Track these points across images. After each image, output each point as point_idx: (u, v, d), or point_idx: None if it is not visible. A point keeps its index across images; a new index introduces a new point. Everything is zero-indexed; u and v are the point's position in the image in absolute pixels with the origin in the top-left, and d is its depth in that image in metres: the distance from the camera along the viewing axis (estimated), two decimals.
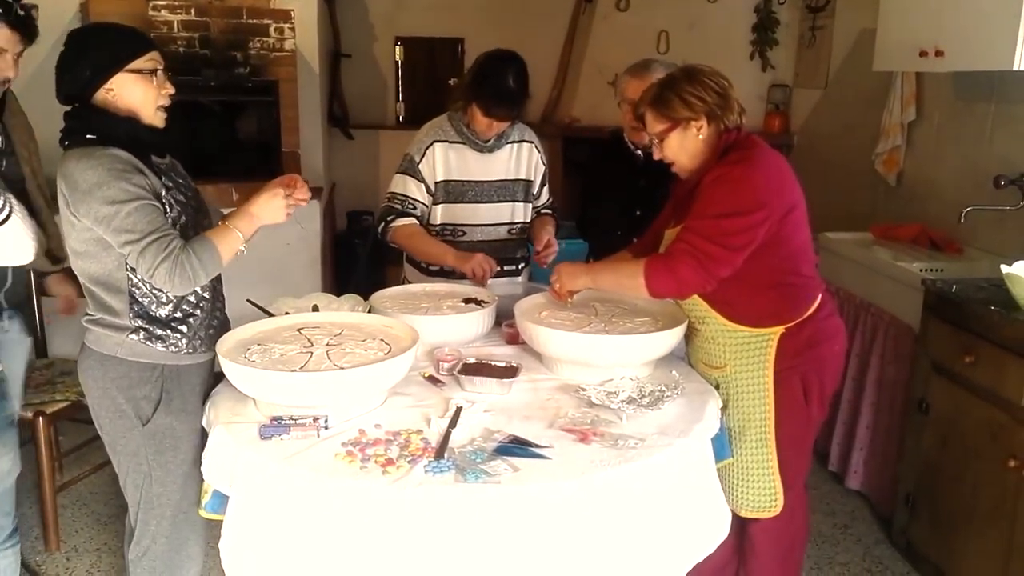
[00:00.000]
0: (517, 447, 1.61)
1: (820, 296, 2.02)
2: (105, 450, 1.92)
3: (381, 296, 2.33)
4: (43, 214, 2.12)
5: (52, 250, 2.06)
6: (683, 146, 1.96)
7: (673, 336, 1.98)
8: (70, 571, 2.66)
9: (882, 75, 3.65)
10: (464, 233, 2.57)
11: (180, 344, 1.84)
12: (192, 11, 3.84)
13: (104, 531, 2.87)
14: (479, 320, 2.17)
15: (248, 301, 2.16)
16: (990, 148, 3.09)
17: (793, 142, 4.89)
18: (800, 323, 1.98)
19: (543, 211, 2.72)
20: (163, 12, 3.79)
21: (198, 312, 1.87)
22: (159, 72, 1.81)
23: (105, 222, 1.68)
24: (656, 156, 2.02)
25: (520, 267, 2.70)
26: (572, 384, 1.93)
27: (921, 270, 2.86)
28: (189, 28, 3.86)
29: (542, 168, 2.67)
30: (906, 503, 2.73)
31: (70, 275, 2.26)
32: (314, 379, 1.68)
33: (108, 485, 3.06)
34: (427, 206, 2.56)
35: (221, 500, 1.71)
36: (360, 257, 5.12)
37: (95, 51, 1.76)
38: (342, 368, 1.72)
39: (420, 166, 2.52)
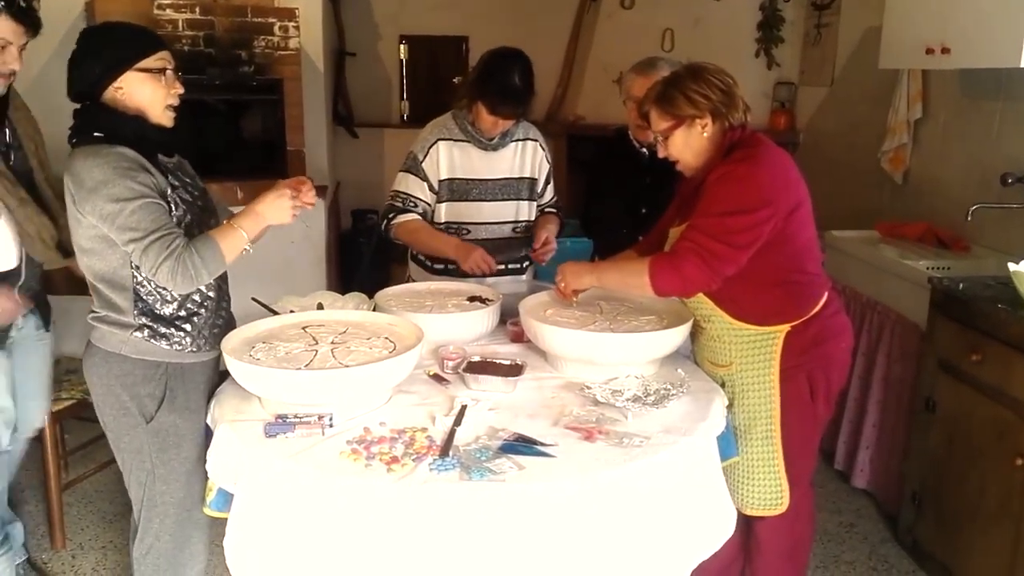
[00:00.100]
0: (522, 445, 1.60)
1: (826, 294, 2.02)
2: (110, 448, 1.92)
3: (386, 294, 2.33)
4: (53, 206, 2.13)
5: (63, 242, 2.08)
6: (688, 144, 1.95)
7: (678, 334, 1.98)
8: (76, 568, 2.66)
9: (888, 73, 3.63)
10: (468, 231, 2.57)
11: (184, 342, 1.84)
12: (197, 10, 3.84)
13: (109, 529, 2.88)
14: (484, 318, 2.17)
15: (253, 299, 2.16)
16: (997, 146, 3.08)
17: (799, 140, 4.88)
18: (806, 321, 1.97)
19: (547, 209, 2.71)
20: (168, 11, 3.79)
21: (202, 311, 1.87)
22: (168, 71, 1.81)
23: (109, 220, 1.68)
24: (661, 154, 2.01)
25: (524, 265, 2.70)
26: (577, 382, 1.92)
27: (928, 268, 2.85)
28: (194, 27, 3.86)
29: (546, 166, 2.67)
30: (912, 502, 2.72)
31: None
32: (319, 377, 1.68)
33: (114, 483, 3.06)
34: (430, 204, 2.56)
35: (225, 498, 1.71)
36: (365, 255, 5.12)
37: (105, 49, 1.77)
38: (347, 366, 1.72)
39: (423, 164, 2.52)
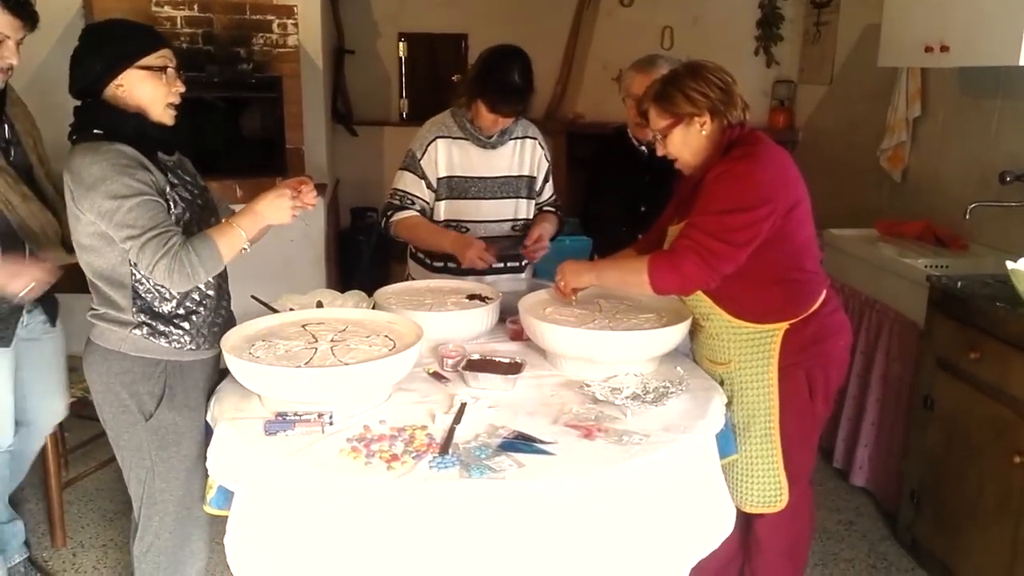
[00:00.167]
0: (521, 443, 1.61)
1: (825, 292, 2.02)
2: (111, 446, 1.92)
3: (385, 292, 2.33)
4: (54, 202, 2.13)
5: (67, 239, 2.08)
6: (686, 142, 1.95)
7: (677, 332, 1.98)
8: (76, 567, 2.66)
9: (887, 71, 3.63)
10: (467, 230, 2.57)
11: (183, 340, 1.85)
12: (195, 7, 3.84)
13: (110, 527, 2.88)
14: (483, 316, 2.17)
15: (252, 297, 2.16)
16: (995, 144, 3.08)
17: (798, 138, 4.88)
18: (805, 319, 1.97)
19: (545, 208, 2.71)
20: (166, 8, 3.79)
21: (201, 309, 1.87)
22: (169, 69, 1.81)
23: (107, 217, 1.69)
24: (659, 152, 2.02)
25: (523, 264, 2.69)
26: (576, 380, 1.93)
27: (926, 266, 2.85)
28: (192, 24, 3.86)
29: (545, 164, 2.66)
30: (911, 499, 2.72)
31: None
32: (319, 375, 1.68)
33: (114, 481, 3.06)
34: (428, 202, 2.56)
35: (226, 496, 1.71)
36: (364, 253, 5.12)
37: (106, 47, 1.78)
38: (346, 364, 1.72)
39: (422, 162, 2.52)
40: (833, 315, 2.03)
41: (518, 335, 2.19)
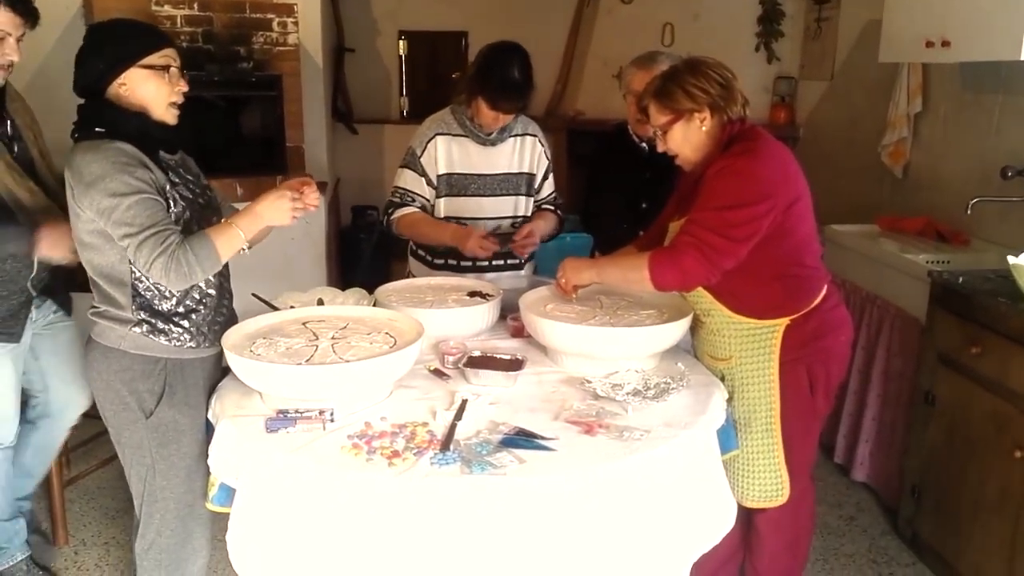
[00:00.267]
0: (522, 439, 1.61)
1: (825, 287, 2.02)
2: (112, 444, 1.93)
3: (386, 290, 2.34)
4: (56, 195, 2.14)
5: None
6: (686, 138, 1.95)
7: (678, 328, 1.98)
8: (78, 565, 2.67)
9: (888, 66, 3.63)
10: (467, 227, 2.56)
11: (183, 338, 1.85)
12: (195, 6, 3.84)
13: (112, 525, 2.89)
14: (484, 313, 2.17)
15: (253, 295, 2.16)
16: (997, 139, 3.08)
17: (799, 134, 4.87)
18: (805, 314, 1.97)
19: (544, 206, 2.69)
20: (166, 7, 3.79)
21: (201, 308, 1.87)
22: (172, 69, 1.81)
23: (106, 214, 1.69)
24: (660, 148, 2.02)
25: (523, 260, 2.69)
26: (577, 376, 1.93)
27: (927, 262, 2.85)
28: (192, 23, 3.86)
29: (545, 162, 2.65)
30: (912, 495, 2.72)
31: None
32: (320, 372, 1.68)
33: (116, 479, 3.07)
34: (429, 199, 2.56)
35: (228, 493, 1.72)
36: (365, 251, 5.12)
37: (109, 46, 1.78)
38: (347, 361, 1.72)
39: (422, 159, 2.52)
40: (834, 311, 2.03)
41: (519, 332, 2.19)
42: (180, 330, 1.84)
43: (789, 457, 2.03)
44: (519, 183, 2.60)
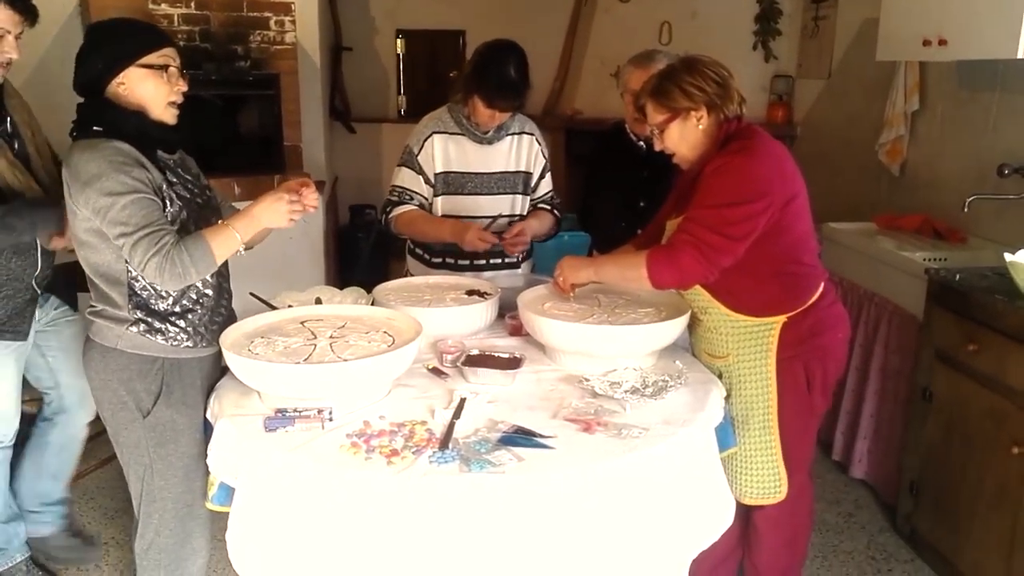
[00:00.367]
0: (521, 437, 1.61)
1: (822, 285, 2.02)
2: (111, 444, 1.93)
3: (384, 288, 2.34)
4: (53, 193, 2.15)
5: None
6: (683, 136, 1.95)
7: (676, 326, 1.98)
8: (79, 565, 2.66)
9: (885, 65, 3.63)
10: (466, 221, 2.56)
11: (180, 338, 1.85)
12: (192, 4, 3.83)
13: (111, 525, 2.89)
14: (482, 312, 2.18)
15: (251, 295, 2.16)
16: (994, 137, 3.09)
17: (796, 133, 4.88)
18: (803, 312, 1.98)
19: (540, 205, 2.68)
20: (163, 6, 3.78)
21: (198, 308, 1.87)
22: (171, 68, 1.81)
23: (102, 213, 1.69)
24: (657, 147, 2.02)
25: (518, 259, 2.69)
26: (576, 375, 1.93)
27: (925, 259, 2.86)
28: (189, 22, 3.85)
29: (542, 160, 2.65)
30: (910, 491, 2.73)
31: None
32: (318, 371, 1.69)
33: (115, 479, 3.06)
34: (427, 197, 2.56)
35: (228, 492, 1.72)
36: (363, 250, 5.12)
37: (108, 44, 1.78)
38: (346, 360, 1.73)
39: (419, 157, 2.52)
40: (831, 308, 2.04)
41: (517, 330, 2.19)
42: (176, 330, 1.84)
43: (787, 454, 2.03)
44: (516, 182, 2.60)
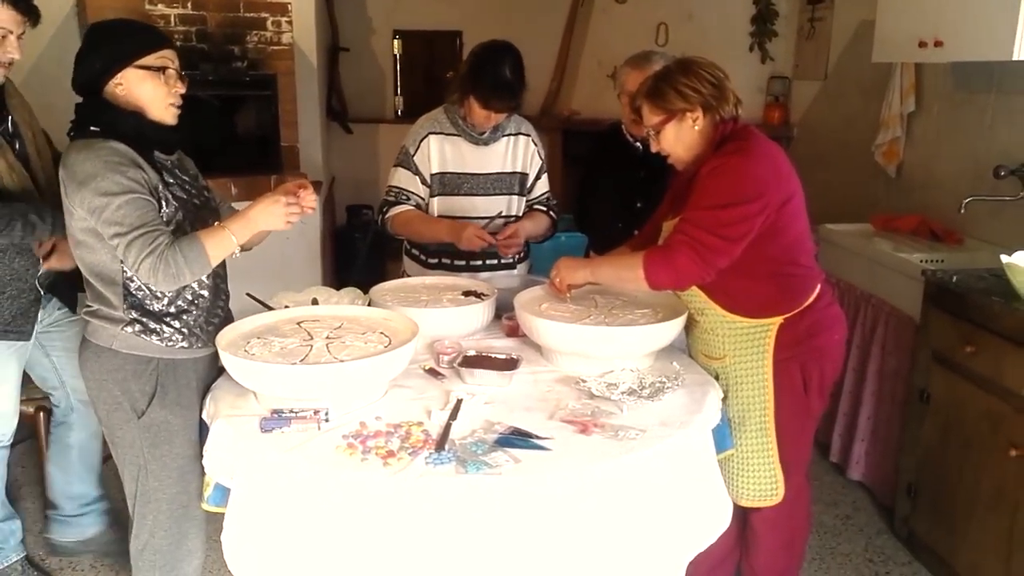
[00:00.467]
0: (518, 439, 1.61)
1: (819, 286, 2.02)
2: (107, 445, 1.92)
3: (381, 289, 2.33)
4: (49, 195, 2.15)
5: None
6: (679, 138, 1.95)
7: (673, 327, 1.98)
8: (73, 565, 2.66)
9: (881, 66, 3.64)
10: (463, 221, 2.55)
11: (175, 338, 1.84)
12: (189, 5, 3.84)
13: None
14: (479, 313, 2.17)
15: (247, 295, 2.16)
16: (990, 138, 3.09)
17: (793, 134, 4.88)
18: (799, 313, 1.98)
19: (536, 206, 2.67)
20: (160, 6, 3.78)
21: (193, 309, 1.87)
22: (169, 70, 1.81)
23: (96, 213, 1.69)
24: (653, 148, 2.02)
25: (515, 259, 2.68)
26: (572, 376, 1.93)
27: (921, 261, 2.86)
28: (186, 22, 3.85)
29: (538, 161, 2.64)
30: (908, 493, 2.73)
31: None
32: (314, 372, 1.68)
33: (110, 480, 3.04)
34: (423, 198, 2.56)
35: (223, 493, 1.71)
36: (360, 251, 5.12)
37: (106, 45, 1.78)
38: (342, 361, 1.72)
39: (415, 158, 2.52)
40: (827, 309, 2.04)
41: (514, 331, 2.19)
42: (171, 330, 1.84)
43: (784, 456, 2.03)
44: (512, 183, 2.60)
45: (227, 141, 4.20)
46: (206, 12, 3.88)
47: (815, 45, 4.65)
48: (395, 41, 5.53)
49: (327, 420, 1.67)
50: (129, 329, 1.80)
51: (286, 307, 2.10)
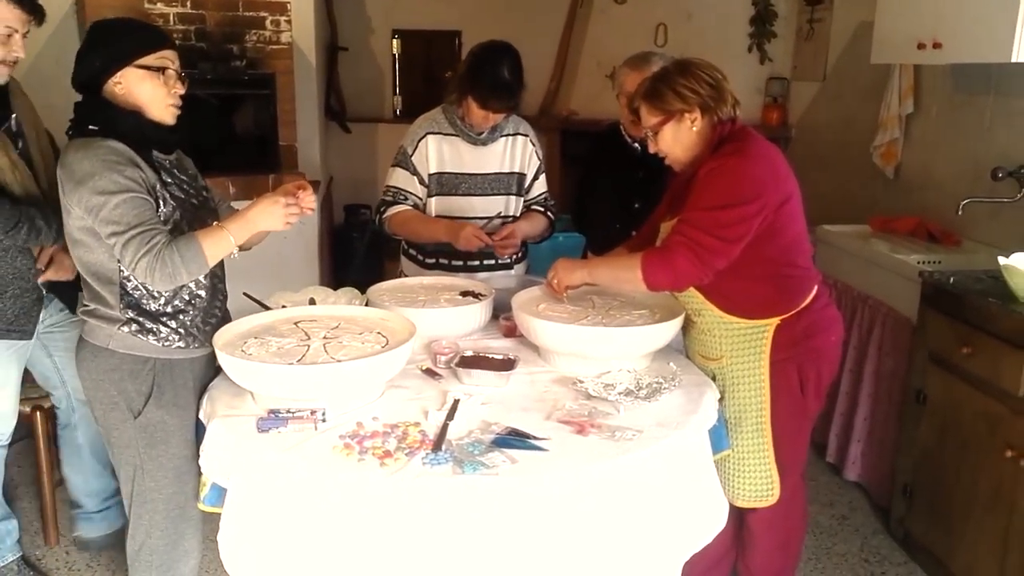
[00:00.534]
0: (515, 439, 1.61)
1: (816, 287, 2.03)
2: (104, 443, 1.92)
3: (378, 289, 2.33)
4: (50, 197, 2.15)
5: None
6: (677, 138, 1.96)
7: (670, 328, 1.98)
8: (70, 565, 2.66)
9: (880, 68, 3.64)
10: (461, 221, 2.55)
11: (172, 338, 1.84)
12: (188, 4, 3.83)
13: None
14: (476, 313, 2.17)
15: (245, 295, 2.16)
16: (988, 140, 3.09)
17: (791, 135, 4.89)
18: (796, 314, 1.98)
19: (533, 206, 2.67)
20: (159, 5, 3.78)
21: (190, 309, 1.87)
22: (169, 71, 1.80)
23: (94, 212, 1.69)
24: (651, 149, 2.02)
25: (512, 260, 2.68)
26: (570, 376, 1.93)
27: (919, 262, 2.86)
28: (185, 21, 3.85)
29: (536, 162, 2.64)
30: (904, 494, 2.73)
31: None
32: (311, 372, 1.68)
33: None
34: (421, 198, 2.56)
35: (220, 493, 1.71)
36: (357, 250, 5.12)
37: (106, 44, 1.78)
38: (339, 361, 1.72)
39: (413, 158, 2.51)
40: (824, 310, 2.04)
41: (511, 331, 2.19)
42: (168, 330, 1.84)
43: (780, 457, 2.03)
44: (510, 183, 2.60)
45: (225, 140, 4.19)
46: (205, 11, 3.87)
47: (814, 46, 4.65)
48: (394, 41, 5.53)
49: (324, 420, 1.67)
50: (126, 329, 1.80)
51: (283, 307, 2.10)
